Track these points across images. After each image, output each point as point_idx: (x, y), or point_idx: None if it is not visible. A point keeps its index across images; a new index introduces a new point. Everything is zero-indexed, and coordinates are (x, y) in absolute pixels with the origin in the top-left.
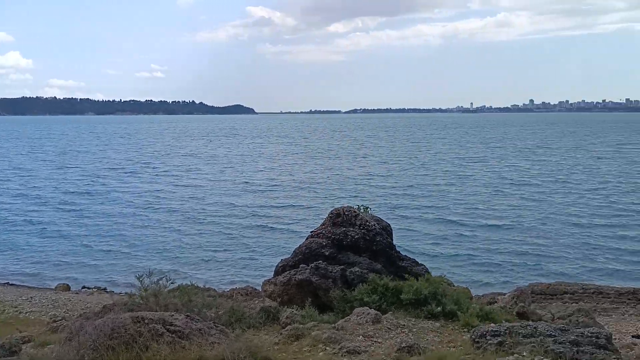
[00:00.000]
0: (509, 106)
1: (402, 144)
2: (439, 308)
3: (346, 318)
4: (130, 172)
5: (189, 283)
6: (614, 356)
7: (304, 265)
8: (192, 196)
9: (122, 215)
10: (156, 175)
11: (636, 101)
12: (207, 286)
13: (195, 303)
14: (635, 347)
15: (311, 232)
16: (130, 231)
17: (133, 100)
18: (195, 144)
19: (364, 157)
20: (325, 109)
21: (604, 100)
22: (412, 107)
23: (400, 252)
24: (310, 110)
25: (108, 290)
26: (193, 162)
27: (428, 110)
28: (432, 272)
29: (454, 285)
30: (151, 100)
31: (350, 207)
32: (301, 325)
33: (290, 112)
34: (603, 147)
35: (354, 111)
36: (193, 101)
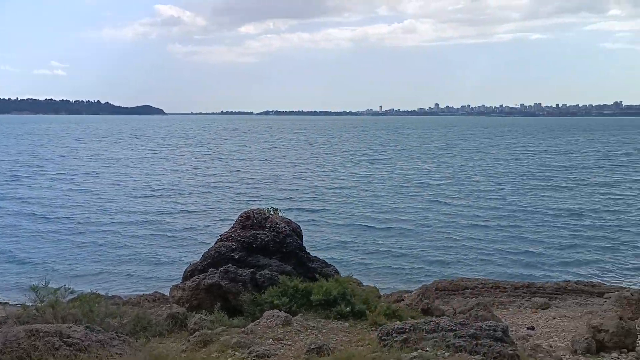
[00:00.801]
0: (416, 109)
1: (312, 146)
2: (348, 308)
3: (256, 322)
4: (19, 176)
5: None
6: (510, 348)
7: (213, 269)
8: (89, 202)
9: (6, 226)
10: (50, 179)
11: (530, 106)
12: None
13: (97, 313)
14: (530, 339)
15: (220, 235)
16: (16, 243)
17: (31, 99)
18: (97, 146)
19: (274, 159)
20: (237, 110)
21: (501, 105)
22: (324, 110)
23: (310, 254)
24: (222, 111)
25: (3, 302)
26: (93, 166)
27: (339, 113)
28: (341, 273)
29: (362, 285)
30: (52, 99)
31: (260, 209)
32: (210, 331)
33: (201, 113)
34: (500, 149)
35: (267, 113)
36: (98, 101)
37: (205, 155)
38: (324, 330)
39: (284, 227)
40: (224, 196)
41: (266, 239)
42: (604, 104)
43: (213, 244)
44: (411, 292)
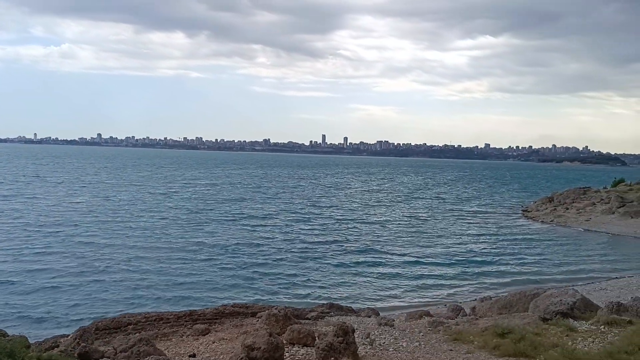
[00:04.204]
0: (77, 139)
1: None
2: None
3: None
4: None
5: None
6: None
7: None
8: None
9: None
10: None
11: (192, 140)
12: None
13: None
14: None
15: None
16: None
17: None
18: None
19: None
20: None
21: (165, 138)
22: None
23: None
24: None
25: None
26: None
27: None
28: None
29: (8, 336)
30: None
31: None
32: None
33: None
34: (163, 182)
35: None
36: None
37: None
38: None
39: None
40: None
41: None
42: (256, 141)
43: None
44: (68, 336)
